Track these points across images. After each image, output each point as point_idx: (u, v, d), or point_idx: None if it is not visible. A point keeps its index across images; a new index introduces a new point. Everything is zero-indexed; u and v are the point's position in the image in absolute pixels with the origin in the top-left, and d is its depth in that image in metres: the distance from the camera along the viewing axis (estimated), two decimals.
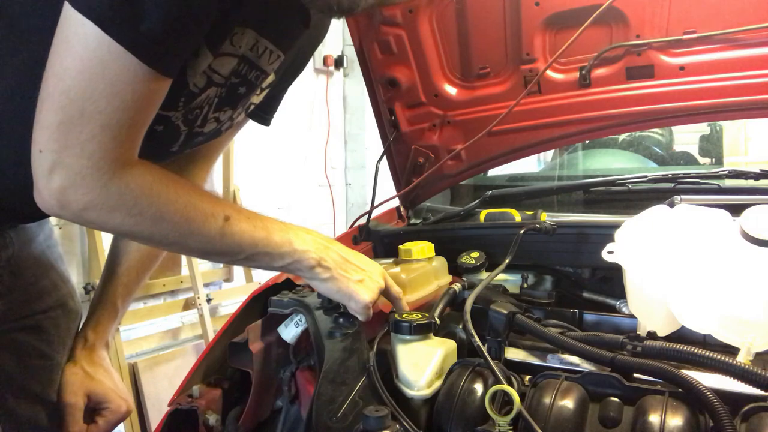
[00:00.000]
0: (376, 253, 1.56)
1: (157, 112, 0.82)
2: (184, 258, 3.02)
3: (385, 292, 1.07)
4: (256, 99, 1.12)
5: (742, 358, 0.92)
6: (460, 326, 1.16)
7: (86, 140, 0.74)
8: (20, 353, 1.03)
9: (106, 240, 2.56)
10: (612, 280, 1.32)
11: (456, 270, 1.38)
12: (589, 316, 1.28)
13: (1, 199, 0.95)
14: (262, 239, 0.92)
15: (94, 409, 1.12)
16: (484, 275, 1.36)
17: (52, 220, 1.14)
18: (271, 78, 1.08)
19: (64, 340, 1.12)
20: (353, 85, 4.27)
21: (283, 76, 1.15)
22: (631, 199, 1.65)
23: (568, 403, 0.90)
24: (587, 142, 2.30)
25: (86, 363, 1.13)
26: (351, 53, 4.13)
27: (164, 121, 0.91)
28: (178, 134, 0.97)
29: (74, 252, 2.65)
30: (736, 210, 1.09)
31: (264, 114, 1.23)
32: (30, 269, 1.05)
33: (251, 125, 1.24)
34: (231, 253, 0.91)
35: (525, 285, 1.36)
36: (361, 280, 1.01)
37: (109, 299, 1.19)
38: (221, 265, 3.34)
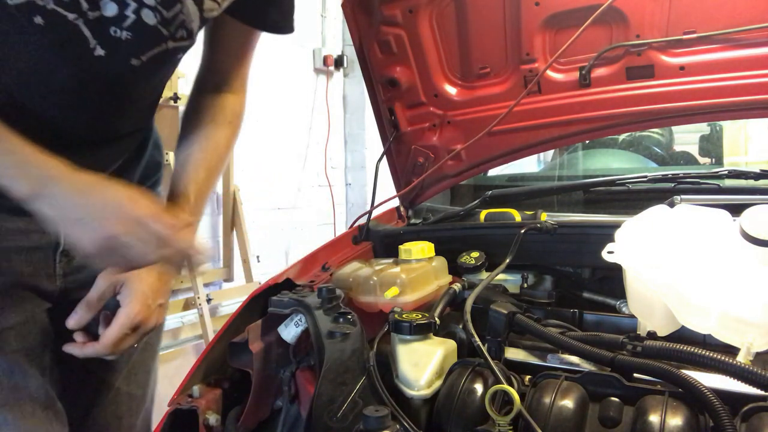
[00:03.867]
0: (376, 253, 1.56)
1: None
2: None
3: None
4: None
5: (742, 358, 0.92)
6: (460, 326, 1.16)
7: None
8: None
9: None
10: (612, 280, 1.32)
11: (456, 270, 1.38)
12: (589, 316, 1.28)
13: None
14: None
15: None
16: (484, 275, 1.36)
17: None
18: None
19: None
20: (353, 85, 4.27)
21: None
22: (631, 199, 1.65)
23: (568, 403, 0.90)
24: (587, 142, 2.30)
25: None
26: (351, 53, 4.12)
27: (28, 6, 0.76)
28: (66, 24, 0.81)
29: None
30: (736, 210, 1.09)
31: (280, 19, 1.08)
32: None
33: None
34: None
35: (525, 285, 1.36)
36: (80, 218, 0.84)
37: (183, 196, 1.03)
38: (221, 265, 3.34)
